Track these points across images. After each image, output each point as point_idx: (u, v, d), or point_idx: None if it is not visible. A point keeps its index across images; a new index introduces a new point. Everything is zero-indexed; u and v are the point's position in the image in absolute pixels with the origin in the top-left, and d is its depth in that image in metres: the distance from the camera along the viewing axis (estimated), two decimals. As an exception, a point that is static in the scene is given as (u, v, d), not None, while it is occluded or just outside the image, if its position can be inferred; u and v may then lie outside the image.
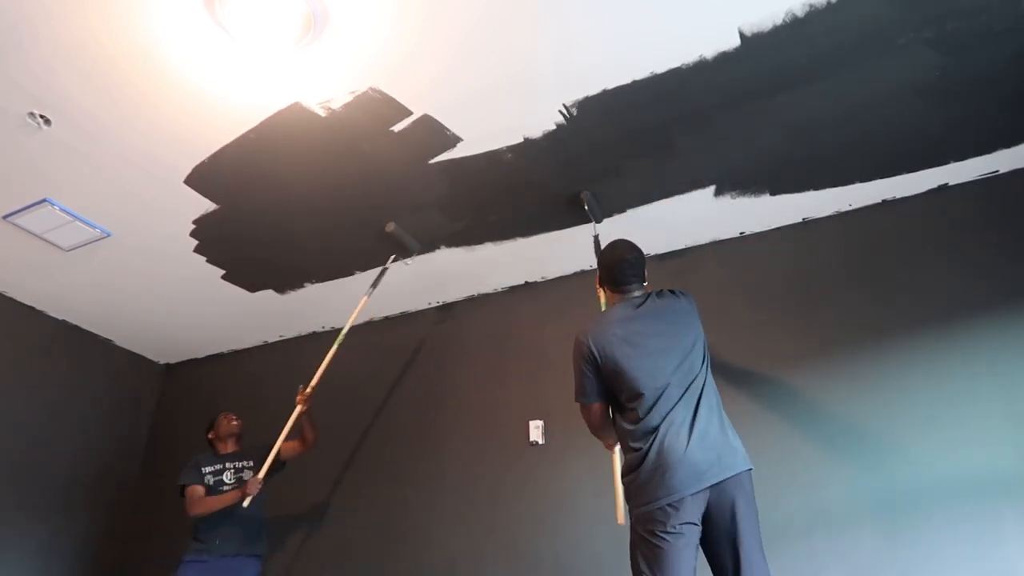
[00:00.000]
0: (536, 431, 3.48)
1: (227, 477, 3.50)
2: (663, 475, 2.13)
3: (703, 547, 2.17)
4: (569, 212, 3.27)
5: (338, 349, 3.62)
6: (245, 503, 3.23)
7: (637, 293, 2.47)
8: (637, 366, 2.28)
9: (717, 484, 2.10)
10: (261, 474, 3.31)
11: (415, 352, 4.09)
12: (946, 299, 2.86)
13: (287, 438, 3.51)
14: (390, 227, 3.42)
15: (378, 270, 3.70)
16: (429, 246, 3.57)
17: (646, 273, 2.53)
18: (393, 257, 3.65)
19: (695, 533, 2.11)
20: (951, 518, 2.55)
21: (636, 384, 2.27)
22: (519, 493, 3.40)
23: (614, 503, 2.64)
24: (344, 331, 3.67)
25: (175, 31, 2.37)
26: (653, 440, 2.18)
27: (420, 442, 3.82)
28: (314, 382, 3.60)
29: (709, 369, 2.33)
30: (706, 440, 2.15)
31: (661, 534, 2.09)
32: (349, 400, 4.19)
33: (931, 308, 2.87)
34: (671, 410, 2.20)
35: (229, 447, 3.63)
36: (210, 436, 3.70)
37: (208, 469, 3.49)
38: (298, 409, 3.50)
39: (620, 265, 2.48)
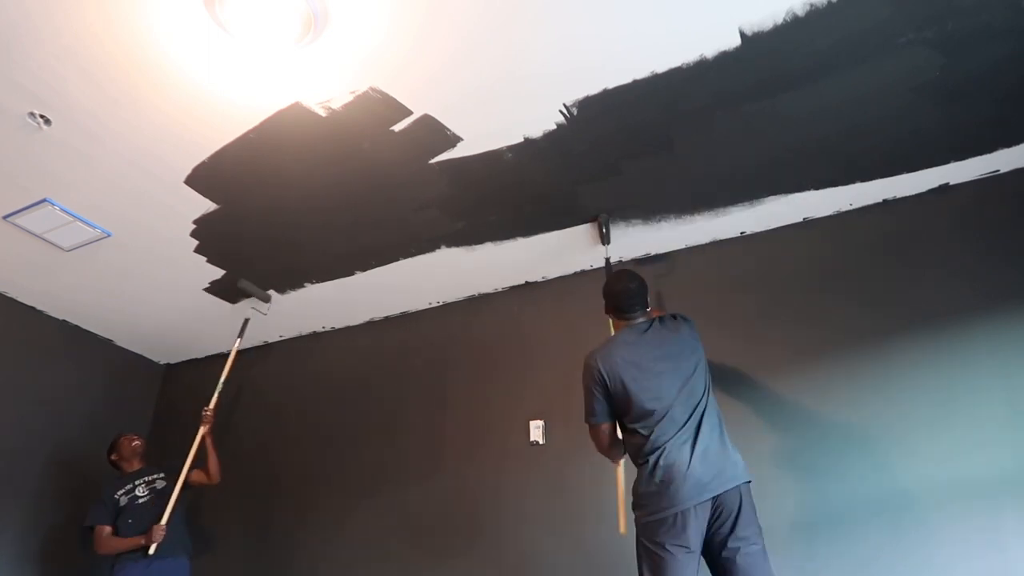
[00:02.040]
0: (536, 431, 3.47)
1: (140, 491, 3.69)
2: (667, 488, 2.26)
3: (706, 558, 2.28)
4: (569, 212, 3.28)
5: (220, 394, 3.91)
6: (151, 550, 3.42)
7: (641, 319, 2.62)
8: (643, 387, 2.41)
9: (719, 495, 2.23)
10: (164, 520, 3.48)
11: (415, 352, 4.09)
12: (947, 299, 2.86)
13: (196, 466, 3.74)
14: (241, 283, 3.80)
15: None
16: (430, 247, 3.57)
17: (649, 299, 2.69)
18: (252, 307, 4.02)
19: (698, 547, 2.22)
20: (952, 519, 2.55)
21: (643, 404, 2.39)
22: (519, 493, 3.40)
23: (617, 513, 2.78)
24: (223, 377, 3.93)
25: (175, 31, 2.37)
26: (660, 456, 2.32)
27: (420, 442, 3.81)
28: (213, 403, 3.82)
29: (711, 389, 2.46)
30: (707, 456, 2.28)
31: (667, 546, 2.21)
32: (349, 400, 4.19)
33: (932, 308, 2.87)
34: (675, 428, 2.34)
35: (135, 465, 3.83)
36: (113, 458, 3.87)
37: (120, 492, 3.67)
38: (201, 431, 3.73)
39: (624, 295, 2.64)
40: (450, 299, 4.10)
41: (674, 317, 2.61)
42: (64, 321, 4.46)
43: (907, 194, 3.10)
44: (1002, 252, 2.84)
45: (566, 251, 3.58)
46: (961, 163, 2.91)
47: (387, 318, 4.32)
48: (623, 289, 2.64)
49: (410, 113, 2.71)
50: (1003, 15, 2.25)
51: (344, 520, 3.85)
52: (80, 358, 4.57)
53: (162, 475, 3.74)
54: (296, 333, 4.58)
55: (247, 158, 2.97)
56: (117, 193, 3.22)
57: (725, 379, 3.05)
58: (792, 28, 2.29)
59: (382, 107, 2.68)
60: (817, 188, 3.07)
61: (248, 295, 3.94)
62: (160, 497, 3.64)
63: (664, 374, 2.42)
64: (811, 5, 2.22)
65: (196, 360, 5.03)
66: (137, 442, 3.88)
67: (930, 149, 2.85)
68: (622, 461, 2.71)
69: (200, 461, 3.79)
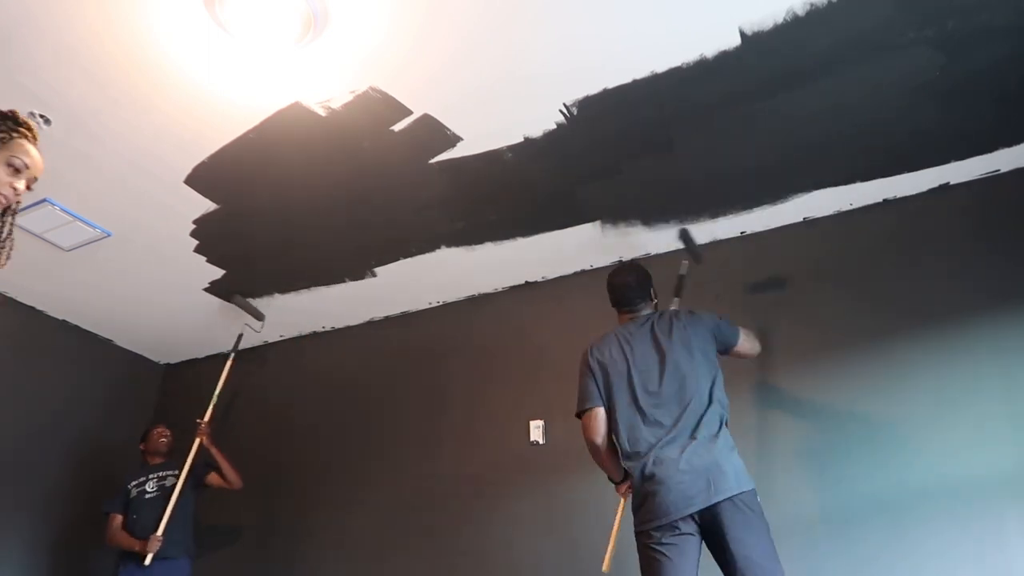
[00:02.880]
0: (536, 431, 3.47)
1: (150, 487, 3.69)
2: (653, 498, 2.19)
3: (711, 552, 2.20)
4: (569, 212, 3.28)
5: (216, 406, 3.89)
6: (147, 560, 3.41)
7: (644, 312, 2.57)
8: (629, 386, 2.35)
9: (708, 508, 2.12)
10: (160, 530, 3.48)
11: (415, 352, 4.09)
12: (947, 298, 2.86)
13: (216, 469, 3.76)
14: (234, 299, 3.72)
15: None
16: (430, 247, 3.57)
17: (653, 291, 2.63)
18: (246, 323, 4.05)
19: (693, 544, 2.15)
20: (953, 518, 2.55)
21: (628, 405, 2.34)
22: (519, 493, 3.40)
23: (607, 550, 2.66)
24: (218, 390, 3.90)
25: (175, 30, 2.37)
26: (645, 463, 2.25)
27: (420, 442, 3.81)
28: (208, 416, 3.80)
29: (716, 389, 2.33)
30: (695, 463, 2.17)
31: (657, 547, 2.17)
32: (349, 399, 4.19)
33: (932, 308, 2.87)
34: (662, 433, 2.25)
35: (156, 459, 3.83)
36: (141, 447, 3.90)
37: (133, 483, 3.71)
38: (196, 442, 3.72)
39: (622, 289, 2.60)
40: (450, 299, 4.10)
41: (687, 313, 2.51)
42: (64, 321, 4.46)
43: (907, 194, 3.10)
44: (1002, 252, 2.84)
45: (566, 251, 3.58)
46: (961, 163, 2.91)
47: (387, 318, 4.32)
48: (621, 283, 2.61)
49: (410, 113, 2.71)
50: (1003, 15, 2.25)
51: (343, 519, 3.85)
52: (80, 358, 4.57)
53: (176, 473, 3.70)
54: (296, 333, 4.57)
55: (247, 158, 2.97)
56: (117, 193, 3.22)
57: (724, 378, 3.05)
58: (792, 27, 2.29)
59: (382, 107, 2.67)
60: (817, 188, 3.07)
61: (243, 311, 3.89)
62: (168, 495, 3.61)
63: (652, 372, 2.34)
64: (811, 4, 2.22)
65: (196, 360, 5.02)
66: (163, 438, 3.86)
67: (930, 149, 2.85)
68: (625, 501, 2.60)
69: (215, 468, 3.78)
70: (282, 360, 4.61)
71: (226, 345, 4.78)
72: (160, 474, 3.74)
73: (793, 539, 2.73)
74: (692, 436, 2.23)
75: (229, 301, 3.78)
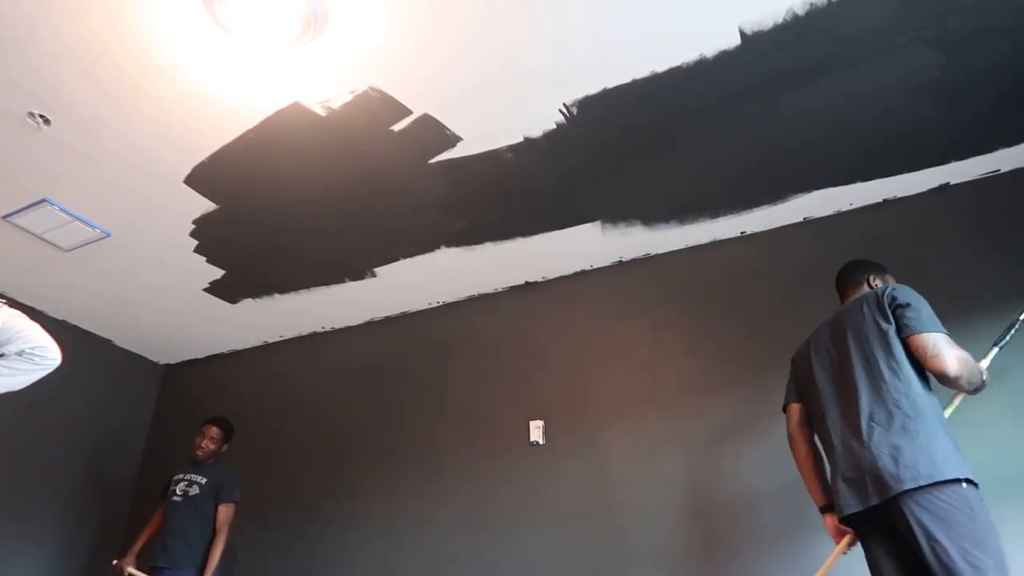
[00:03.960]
0: (536, 431, 3.47)
1: (179, 488, 3.59)
2: (835, 492, 2.08)
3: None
4: (569, 212, 3.28)
5: None
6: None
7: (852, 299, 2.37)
8: (812, 372, 2.28)
9: (877, 506, 1.91)
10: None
11: (415, 352, 4.09)
12: (947, 299, 2.84)
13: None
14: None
15: None
16: (430, 247, 3.57)
17: (868, 279, 2.40)
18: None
19: (887, 541, 1.98)
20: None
21: (809, 391, 2.28)
22: (519, 493, 3.40)
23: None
24: None
25: (175, 30, 2.37)
26: (827, 451, 2.16)
27: (420, 442, 3.81)
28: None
29: (897, 369, 2.06)
30: (855, 454, 2.00)
31: (862, 540, 2.06)
32: (348, 400, 4.19)
33: (931, 308, 2.86)
34: (833, 422, 2.14)
35: (196, 456, 3.69)
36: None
37: (175, 476, 3.66)
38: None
39: (837, 281, 2.51)
40: (450, 299, 4.10)
41: (879, 292, 2.23)
42: (64, 321, 4.46)
43: (907, 194, 3.10)
44: (1002, 252, 2.84)
45: (566, 251, 3.57)
46: (961, 163, 2.91)
47: (387, 318, 4.32)
48: (837, 276, 2.51)
49: (410, 113, 2.71)
50: (1003, 15, 2.25)
51: (341, 520, 3.85)
52: (79, 358, 4.56)
53: (202, 481, 3.56)
54: (296, 333, 4.57)
55: (247, 158, 2.97)
56: (117, 193, 3.22)
57: (725, 379, 3.05)
58: (792, 27, 2.29)
59: (382, 107, 2.67)
60: (817, 188, 3.07)
61: None
62: (188, 503, 3.52)
63: (828, 361, 2.23)
64: (811, 4, 2.22)
65: (196, 360, 5.02)
66: (198, 435, 3.69)
67: (930, 149, 2.85)
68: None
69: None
70: (282, 360, 4.61)
71: (226, 345, 4.79)
72: (191, 478, 3.59)
73: (790, 539, 2.73)
74: (857, 426, 2.10)
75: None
